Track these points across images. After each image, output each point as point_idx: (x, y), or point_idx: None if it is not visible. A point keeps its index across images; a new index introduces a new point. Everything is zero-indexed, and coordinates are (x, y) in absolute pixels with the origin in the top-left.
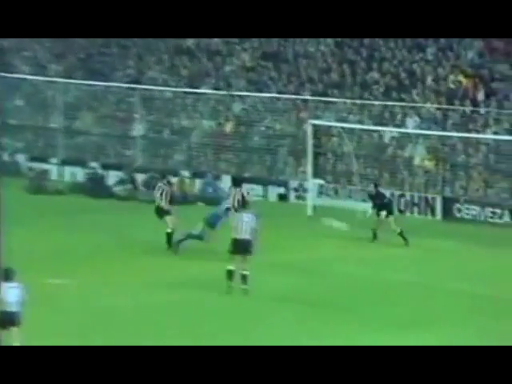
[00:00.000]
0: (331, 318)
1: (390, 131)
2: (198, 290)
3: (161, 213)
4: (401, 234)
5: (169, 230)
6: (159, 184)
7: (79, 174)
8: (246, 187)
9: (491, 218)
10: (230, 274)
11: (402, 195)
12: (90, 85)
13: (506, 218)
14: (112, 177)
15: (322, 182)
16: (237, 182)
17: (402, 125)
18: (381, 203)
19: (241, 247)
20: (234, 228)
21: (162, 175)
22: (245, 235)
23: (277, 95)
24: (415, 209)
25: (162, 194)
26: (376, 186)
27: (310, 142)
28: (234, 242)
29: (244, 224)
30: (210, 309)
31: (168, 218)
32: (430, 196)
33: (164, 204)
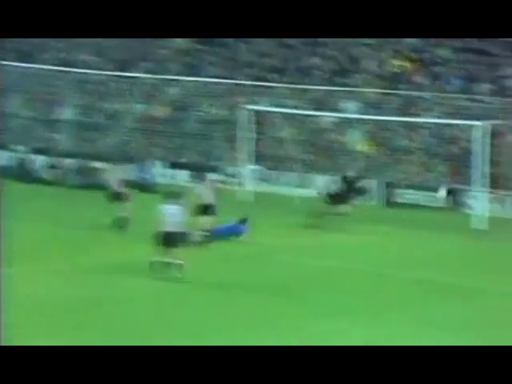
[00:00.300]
0: (282, 307)
1: (329, 116)
2: (136, 275)
3: (114, 198)
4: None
5: (124, 214)
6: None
7: (6, 158)
8: (210, 176)
9: (431, 202)
10: (152, 265)
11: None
12: (19, 67)
13: (446, 202)
14: (40, 161)
15: (258, 167)
16: (199, 174)
17: (342, 110)
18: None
19: (166, 239)
20: (160, 221)
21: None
22: (170, 228)
23: (213, 79)
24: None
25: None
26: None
27: (245, 127)
28: (160, 234)
29: (169, 216)
30: (146, 295)
31: (122, 203)
32: (371, 181)
33: (117, 189)
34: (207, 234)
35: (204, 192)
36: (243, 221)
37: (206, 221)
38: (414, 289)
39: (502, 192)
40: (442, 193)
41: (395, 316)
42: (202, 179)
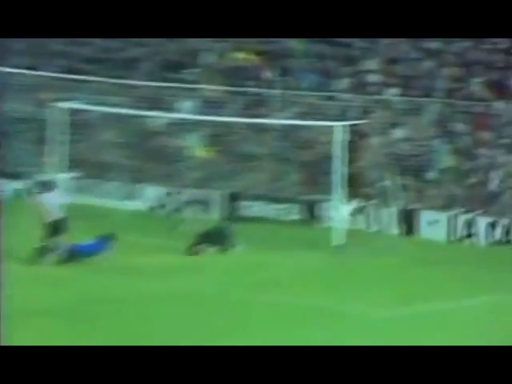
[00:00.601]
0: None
1: (161, 117)
2: None
3: None
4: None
5: None
6: None
7: None
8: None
9: (281, 215)
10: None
11: (177, 192)
12: None
13: (299, 215)
14: None
15: (73, 175)
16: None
17: (176, 109)
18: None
19: (55, 228)
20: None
21: None
22: (56, 215)
23: (18, 70)
24: (192, 208)
25: None
26: None
27: (56, 127)
28: (48, 225)
29: (52, 206)
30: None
31: None
32: (211, 192)
33: None
34: (63, 251)
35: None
36: (105, 238)
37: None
38: (270, 313)
39: (365, 202)
40: (348, 209)
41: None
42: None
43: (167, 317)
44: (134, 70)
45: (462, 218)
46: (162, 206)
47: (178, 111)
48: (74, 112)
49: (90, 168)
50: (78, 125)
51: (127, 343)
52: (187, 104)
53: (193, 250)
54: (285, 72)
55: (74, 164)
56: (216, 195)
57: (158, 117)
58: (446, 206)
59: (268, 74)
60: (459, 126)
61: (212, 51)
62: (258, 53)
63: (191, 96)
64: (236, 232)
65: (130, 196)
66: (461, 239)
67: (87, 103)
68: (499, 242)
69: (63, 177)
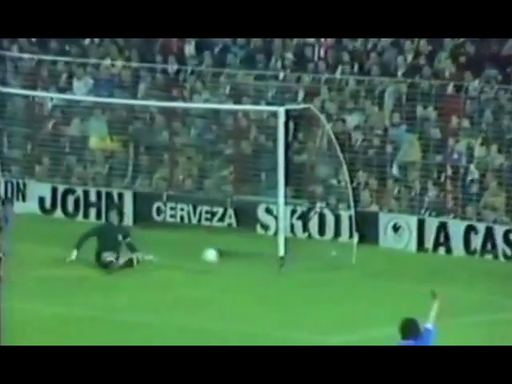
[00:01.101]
0: None
1: (50, 98)
2: None
3: None
4: None
5: None
6: None
7: None
8: None
9: (208, 219)
10: None
11: (70, 191)
12: None
13: (230, 220)
14: None
15: None
16: None
17: (67, 89)
18: None
19: None
20: None
21: None
22: None
23: None
24: (92, 211)
25: None
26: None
27: None
28: None
29: None
30: None
31: None
32: (115, 191)
33: None
34: None
35: None
36: None
37: None
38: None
39: (312, 204)
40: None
41: None
42: None
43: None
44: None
45: (433, 223)
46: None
47: (73, 91)
48: None
49: None
50: None
51: None
52: (82, 82)
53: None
54: (209, 45)
55: None
56: (127, 196)
57: (47, 97)
58: (411, 208)
59: (189, 48)
60: (427, 112)
61: None
62: None
63: (87, 72)
64: (148, 240)
65: (16, 196)
66: (431, 248)
67: None
68: (480, 252)
69: None
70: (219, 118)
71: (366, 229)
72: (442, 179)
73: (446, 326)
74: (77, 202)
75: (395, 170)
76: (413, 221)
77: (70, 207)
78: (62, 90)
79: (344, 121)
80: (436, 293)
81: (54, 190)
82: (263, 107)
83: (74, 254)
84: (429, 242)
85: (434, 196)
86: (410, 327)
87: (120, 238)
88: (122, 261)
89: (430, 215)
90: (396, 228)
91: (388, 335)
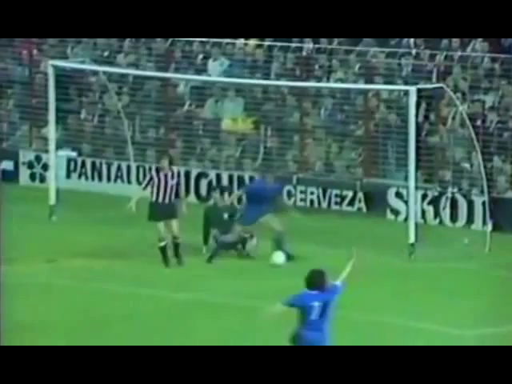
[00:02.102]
0: None
1: (184, 79)
2: None
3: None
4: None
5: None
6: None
7: None
8: None
9: (337, 203)
10: None
11: (203, 174)
12: None
13: (360, 204)
14: None
15: (73, 154)
16: None
17: (201, 70)
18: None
19: None
20: None
21: None
22: None
23: None
24: (224, 195)
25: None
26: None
27: (52, 92)
28: None
29: None
30: None
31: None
32: (247, 175)
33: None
34: None
35: None
36: None
37: None
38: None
39: (443, 189)
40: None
41: None
42: None
43: None
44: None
45: None
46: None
47: (206, 73)
48: (73, 73)
49: (93, 144)
50: (80, 89)
51: None
52: (217, 63)
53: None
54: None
55: (73, 139)
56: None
57: (182, 79)
58: None
59: None
60: None
61: None
62: None
63: (221, 53)
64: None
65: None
66: None
67: (89, 62)
68: None
69: (61, 155)
70: (350, 97)
71: (501, 216)
72: None
73: None
74: (209, 185)
75: None
76: None
77: (203, 191)
78: (198, 72)
79: (478, 101)
80: (354, 254)
81: (187, 174)
82: (394, 86)
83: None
84: None
85: None
86: (315, 278)
87: (226, 216)
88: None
89: None
90: None
91: None
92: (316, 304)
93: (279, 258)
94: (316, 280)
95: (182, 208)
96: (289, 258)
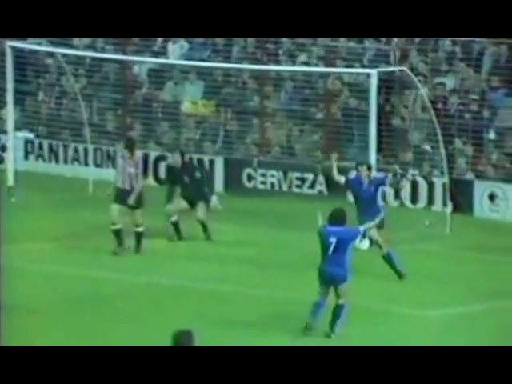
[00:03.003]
0: None
1: (142, 62)
2: None
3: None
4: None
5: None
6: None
7: None
8: None
9: (298, 186)
10: None
11: (162, 157)
12: None
13: (320, 186)
14: None
15: (30, 135)
16: None
17: (161, 53)
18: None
19: None
20: None
21: None
22: None
23: None
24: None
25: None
26: (182, 153)
27: (9, 73)
28: None
29: None
30: None
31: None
32: (206, 158)
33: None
34: None
35: None
36: None
37: None
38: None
39: (403, 171)
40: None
41: None
42: None
43: None
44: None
45: None
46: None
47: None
48: (31, 54)
49: (50, 126)
50: (37, 71)
51: None
52: (177, 45)
53: None
54: None
55: (31, 121)
56: (218, 162)
57: (141, 62)
58: (508, 176)
59: None
60: None
61: None
62: None
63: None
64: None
65: (106, 164)
66: None
67: (46, 43)
68: None
69: (19, 136)
70: (311, 81)
71: (461, 197)
72: None
73: None
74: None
75: (492, 136)
76: (510, 189)
77: (162, 174)
78: (157, 54)
79: (439, 84)
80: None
81: (146, 157)
82: (356, 70)
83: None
84: None
85: None
86: (335, 214)
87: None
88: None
89: None
90: (492, 197)
91: (487, 309)
92: (333, 240)
93: (364, 243)
94: (336, 215)
95: (215, 202)
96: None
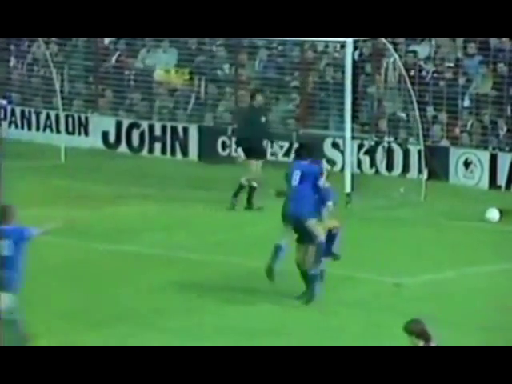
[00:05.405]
0: None
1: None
2: None
3: None
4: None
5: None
6: None
7: None
8: None
9: (273, 154)
10: None
11: (135, 125)
12: None
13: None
14: None
15: (3, 102)
16: None
17: None
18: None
19: None
20: None
21: None
22: None
23: None
24: (157, 146)
25: None
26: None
27: None
28: None
29: None
30: None
31: None
32: (180, 126)
33: None
34: None
35: None
36: None
37: None
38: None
39: (378, 139)
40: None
41: None
42: None
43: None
44: None
45: (506, 158)
46: None
47: None
48: None
49: (22, 93)
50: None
51: None
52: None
53: None
54: None
55: (3, 87)
56: (192, 130)
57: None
58: (483, 143)
59: None
60: (502, 43)
61: None
62: None
63: None
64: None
65: (78, 131)
66: (504, 185)
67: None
68: None
69: None
70: (285, 49)
71: (436, 164)
72: None
73: None
74: (142, 136)
75: (467, 103)
76: (485, 156)
77: (136, 142)
78: None
79: (413, 52)
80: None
81: (119, 124)
82: (330, 39)
83: None
84: (502, 179)
85: (506, 130)
86: (303, 148)
87: None
88: None
89: (502, 150)
90: (467, 164)
91: (459, 275)
92: (297, 171)
93: (494, 214)
94: (302, 150)
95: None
96: None
